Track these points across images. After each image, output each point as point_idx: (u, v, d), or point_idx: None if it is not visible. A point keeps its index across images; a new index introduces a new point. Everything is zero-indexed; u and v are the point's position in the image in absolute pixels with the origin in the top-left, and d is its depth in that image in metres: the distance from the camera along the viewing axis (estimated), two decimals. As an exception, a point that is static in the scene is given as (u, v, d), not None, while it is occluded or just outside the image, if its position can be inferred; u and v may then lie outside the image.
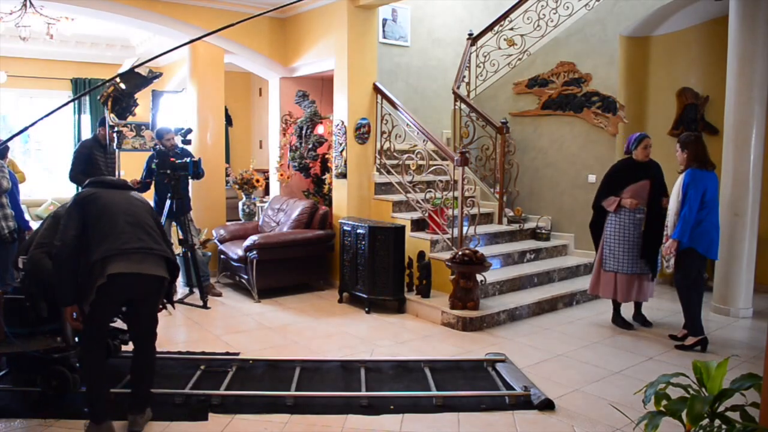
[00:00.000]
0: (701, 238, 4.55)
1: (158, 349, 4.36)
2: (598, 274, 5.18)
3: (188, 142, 6.24)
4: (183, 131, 6.19)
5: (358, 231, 5.68)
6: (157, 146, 6.21)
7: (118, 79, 5.00)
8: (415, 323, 5.32)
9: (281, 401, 3.54)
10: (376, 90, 6.50)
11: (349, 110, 6.37)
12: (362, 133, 6.42)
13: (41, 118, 2.72)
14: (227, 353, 4.41)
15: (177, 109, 8.59)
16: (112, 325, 4.01)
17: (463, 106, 7.06)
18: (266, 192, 8.42)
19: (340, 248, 6.03)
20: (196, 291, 5.97)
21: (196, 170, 5.87)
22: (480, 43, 7.48)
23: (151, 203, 6.37)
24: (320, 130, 7.27)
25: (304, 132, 7.34)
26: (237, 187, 7.86)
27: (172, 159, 5.86)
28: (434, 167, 6.11)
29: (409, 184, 6.25)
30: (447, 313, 5.19)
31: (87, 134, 9.98)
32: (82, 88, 10.05)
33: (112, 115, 5.18)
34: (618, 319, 5.19)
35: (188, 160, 5.86)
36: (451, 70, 7.80)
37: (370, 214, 6.44)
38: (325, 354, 4.47)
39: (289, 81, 7.81)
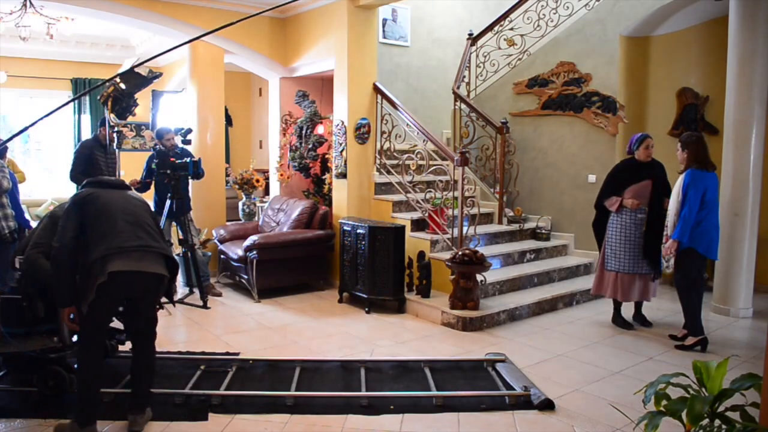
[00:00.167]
0: (701, 238, 4.56)
1: (158, 349, 4.36)
2: (601, 274, 5.19)
3: (188, 142, 6.24)
4: (183, 131, 6.19)
5: (358, 231, 5.68)
6: (157, 146, 6.21)
7: (118, 79, 5.00)
8: (415, 323, 5.32)
9: (281, 401, 3.54)
10: (376, 90, 6.50)
11: (349, 110, 6.37)
12: (362, 133, 6.42)
13: (41, 118, 2.72)
14: (227, 353, 4.41)
15: (177, 109, 8.60)
16: (110, 324, 4.02)
17: (463, 106, 7.06)
18: (266, 192, 8.42)
19: (340, 248, 6.03)
20: (196, 291, 5.96)
21: (196, 170, 5.87)
22: (480, 43, 7.48)
23: (151, 203, 6.41)
24: (320, 130, 7.27)
25: (304, 132, 7.34)
26: (237, 187, 7.86)
27: (172, 159, 5.86)
28: (434, 167, 6.11)
29: (409, 184, 6.25)
30: (447, 313, 5.19)
31: (87, 134, 9.99)
32: (82, 88, 10.05)
33: (112, 115, 5.19)
34: (618, 319, 5.18)
35: (188, 160, 5.86)
36: (451, 70, 7.80)
37: (370, 214, 6.44)
38: (325, 354, 4.47)
39: (289, 81, 7.81)
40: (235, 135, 10.71)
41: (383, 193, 6.50)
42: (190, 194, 6.52)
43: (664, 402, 2.02)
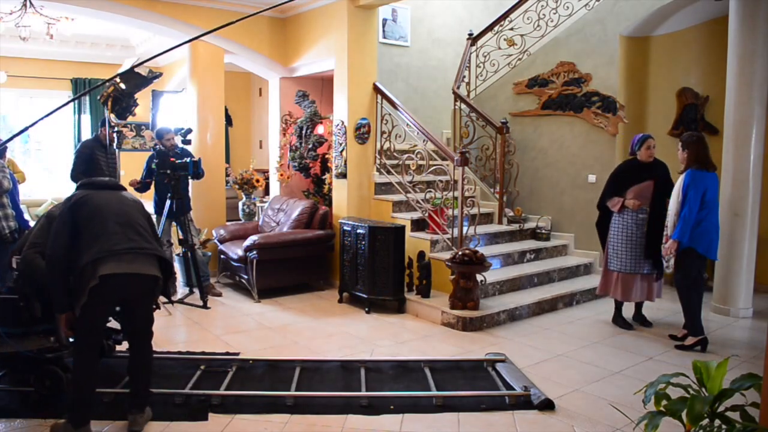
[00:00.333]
0: (701, 238, 4.56)
1: (158, 349, 4.37)
2: (606, 274, 5.20)
3: (188, 142, 6.24)
4: (183, 131, 6.19)
5: (358, 231, 5.68)
6: (157, 146, 6.21)
7: (118, 79, 5.00)
8: (415, 323, 5.32)
9: (281, 401, 3.54)
10: (376, 90, 6.50)
11: (349, 110, 6.37)
12: (362, 133, 6.42)
13: (41, 118, 2.73)
14: (227, 353, 4.41)
15: (177, 109, 8.60)
16: (107, 324, 4.01)
17: (463, 106, 7.06)
18: (266, 192, 8.42)
19: (340, 248, 6.03)
20: (196, 291, 5.96)
21: (196, 170, 5.86)
22: (480, 43, 7.48)
23: (151, 203, 6.41)
24: (320, 130, 7.27)
25: (304, 132, 7.34)
26: (237, 187, 7.86)
27: (172, 159, 5.86)
28: (434, 167, 6.11)
29: (409, 184, 6.25)
30: (447, 313, 5.19)
31: (87, 134, 10.00)
32: (82, 88, 10.05)
33: (112, 115, 5.19)
34: (618, 319, 5.19)
35: (188, 160, 5.86)
36: (451, 70, 7.80)
37: (370, 214, 6.44)
38: (325, 354, 4.47)
39: (289, 81, 7.81)
40: (235, 135, 10.71)
41: (383, 193, 6.50)
42: (190, 194, 6.51)
43: (664, 402, 2.02)
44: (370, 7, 6.41)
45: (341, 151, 6.46)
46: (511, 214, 6.87)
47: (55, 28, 7.39)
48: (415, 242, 5.86)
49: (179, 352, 4.41)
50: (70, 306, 3.08)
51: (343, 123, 6.42)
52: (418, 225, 6.07)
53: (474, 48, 7.46)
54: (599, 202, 5.22)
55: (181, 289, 6.30)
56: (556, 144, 6.95)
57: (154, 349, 4.36)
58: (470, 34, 7.46)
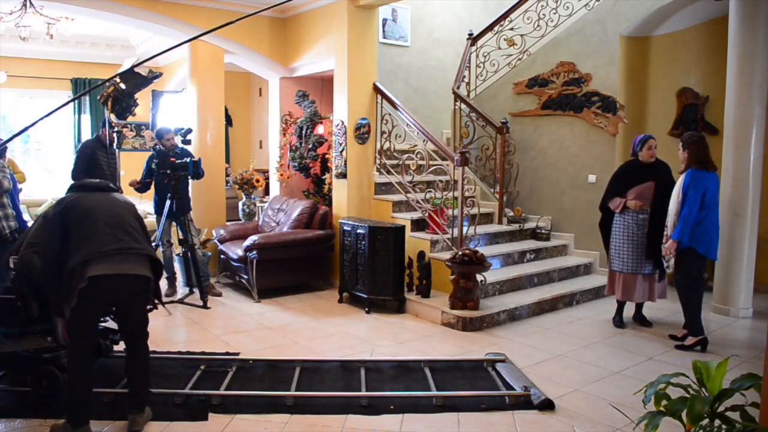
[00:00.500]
0: (701, 238, 4.56)
1: (158, 349, 4.39)
2: (611, 274, 5.21)
3: (188, 142, 6.24)
4: (183, 131, 6.19)
5: (358, 231, 5.68)
6: (157, 146, 6.21)
7: (118, 79, 5.01)
8: (415, 323, 5.32)
9: (281, 401, 3.54)
10: (376, 90, 6.50)
11: (349, 110, 6.37)
12: (362, 133, 6.42)
13: (41, 118, 2.73)
14: (227, 353, 4.41)
15: (177, 109, 8.61)
16: (104, 324, 4.01)
17: (463, 106, 7.06)
18: (266, 192, 8.42)
19: (340, 248, 6.03)
20: (196, 291, 5.96)
21: (196, 170, 5.87)
22: (480, 43, 7.48)
23: (151, 203, 6.41)
24: (320, 130, 7.27)
25: (304, 132, 7.34)
26: (237, 187, 7.85)
27: (172, 159, 5.86)
28: (434, 167, 6.11)
29: (409, 184, 6.25)
30: (447, 313, 5.19)
31: (87, 134, 10.01)
32: (82, 88, 10.06)
33: (112, 115, 5.20)
34: (615, 318, 5.21)
35: (188, 160, 5.86)
36: (451, 70, 7.80)
37: (370, 214, 6.44)
38: (325, 354, 4.47)
39: (289, 81, 7.81)
40: (235, 135, 10.72)
41: (383, 193, 6.50)
42: (190, 194, 6.51)
43: (664, 402, 2.02)
44: (370, 7, 6.41)
45: (341, 151, 6.46)
46: (511, 214, 6.87)
47: (55, 28, 7.39)
48: (415, 242, 5.86)
49: (179, 352, 4.41)
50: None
51: (343, 123, 6.42)
52: (418, 225, 6.07)
53: (474, 48, 7.46)
54: (601, 204, 5.23)
55: (181, 289, 6.30)
56: (556, 144, 6.95)
57: (155, 349, 4.38)
58: (470, 34, 7.46)
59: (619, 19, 6.51)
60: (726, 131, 5.53)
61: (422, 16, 8.03)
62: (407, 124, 6.40)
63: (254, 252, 5.96)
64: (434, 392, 3.68)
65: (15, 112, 10.33)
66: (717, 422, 1.91)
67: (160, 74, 5.53)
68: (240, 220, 7.81)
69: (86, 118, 10.26)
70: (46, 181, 10.47)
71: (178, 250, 6.28)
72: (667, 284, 5.16)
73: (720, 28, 5.88)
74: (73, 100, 9.21)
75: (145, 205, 8.47)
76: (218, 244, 6.79)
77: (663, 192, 4.90)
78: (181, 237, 5.96)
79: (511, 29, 7.37)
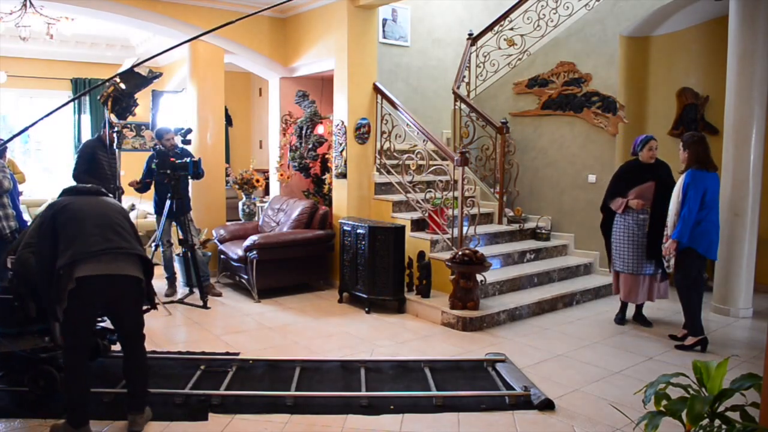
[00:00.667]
0: (701, 238, 4.56)
1: (158, 349, 4.39)
2: (615, 274, 5.22)
3: (188, 142, 6.24)
4: (183, 131, 6.19)
5: (358, 231, 5.68)
6: (157, 146, 6.21)
7: (118, 79, 5.01)
8: (415, 323, 5.32)
9: (281, 401, 3.54)
10: (376, 90, 6.50)
11: (349, 110, 6.37)
12: (362, 133, 6.42)
13: (41, 118, 2.73)
14: (227, 353, 4.41)
15: (177, 109, 8.60)
16: (102, 324, 4.01)
17: (463, 106, 7.06)
18: (266, 192, 8.42)
19: (340, 248, 6.03)
20: (196, 291, 5.96)
21: (196, 170, 5.86)
22: (480, 43, 7.48)
23: (151, 203, 6.41)
24: (320, 130, 7.27)
25: (304, 132, 7.34)
26: (237, 187, 7.85)
27: (172, 159, 5.86)
28: (434, 167, 6.11)
29: (409, 184, 6.25)
30: (447, 313, 5.19)
31: (87, 134, 10.01)
32: (82, 88, 10.06)
33: (112, 115, 5.19)
34: (618, 316, 5.24)
35: (188, 160, 5.86)
36: (451, 70, 7.80)
37: (370, 214, 6.44)
38: (325, 354, 4.47)
39: (289, 81, 7.81)
40: (235, 135, 10.72)
41: (383, 193, 6.50)
42: (190, 194, 6.52)
43: (664, 402, 2.02)
44: (370, 7, 6.41)
45: (341, 151, 6.46)
46: (511, 214, 6.87)
47: (55, 28, 7.39)
48: (415, 242, 5.86)
49: (179, 352, 4.40)
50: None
51: (343, 123, 6.42)
52: (418, 225, 6.07)
53: (474, 48, 7.46)
54: (602, 205, 5.23)
55: (181, 289, 6.30)
56: (556, 144, 6.95)
57: (155, 349, 4.40)
58: (470, 34, 7.46)
59: (619, 19, 6.51)
60: (726, 131, 5.53)
61: (422, 16, 8.03)
62: (407, 124, 6.40)
63: (254, 252, 5.96)
64: (434, 392, 3.68)
65: (15, 112, 10.33)
66: (717, 422, 1.91)
67: (160, 74, 5.52)
68: (240, 220, 7.81)
69: (86, 118, 10.26)
70: (46, 181, 10.47)
71: (178, 250, 6.28)
72: (667, 284, 5.16)
73: (720, 28, 5.88)
74: (73, 100, 9.21)
75: (145, 205, 8.49)
76: (218, 244, 6.79)
77: (663, 192, 4.90)
78: (181, 237, 5.96)
79: (511, 29, 7.37)
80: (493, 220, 6.80)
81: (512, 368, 4.07)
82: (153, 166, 5.95)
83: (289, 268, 6.25)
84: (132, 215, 8.27)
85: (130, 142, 10.35)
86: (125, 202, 6.99)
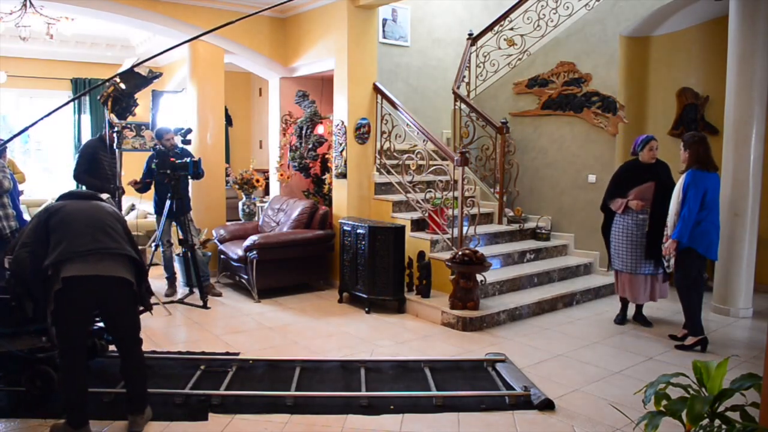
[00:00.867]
0: (701, 238, 4.56)
1: (158, 349, 4.40)
2: (616, 274, 5.23)
3: (188, 142, 6.24)
4: (183, 131, 6.19)
5: (358, 231, 5.68)
6: (157, 146, 6.21)
7: (118, 79, 5.01)
8: (415, 323, 5.32)
9: (281, 401, 3.54)
10: (376, 90, 6.50)
11: (349, 110, 6.37)
12: (362, 133, 6.42)
13: (41, 118, 2.73)
14: (227, 353, 4.41)
15: (177, 109, 8.61)
16: (99, 324, 4.00)
17: (463, 106, 7.06)
18: (266, 192, 8.42)
19: (340, 248, 6.03)
20: (196, 291, 5.96)
21: (196, 170, 5.86)
22: (480, 43, 7.48)
23: (151, 203, 6.40)
24: (320, 130, 7.27)
25: (304, 132, 7.34)
26: (237, 187, 7.85)
27: (172, 159, 5.86)
28: (434, 167, 6.11)
29: (409, 184, 6.25)
30: (447, 313, 5.19)
31: (87, 134, 10.01)
32: (82, 88, 10.06)
33: (112, 115, 5.19)
34: (618, 316, 5.24)
35: (188, 160, 5.86)
36: (451, 70, 7.80)
37: (370, 214, 6.44)
38: (325, 354, 4.47)
39: (289, 81, 7.81)
40: (235, 135, 10.71)
41: (383, 193, 6.50)
42: (190, 194, 6.52)
43: (664, 402, 2.02)
44: (370, 7, 6.41)
45: (341, 151, 6.46)
46: (511, 214, 6.87)
47: (55, 28, 7.39)
48: (415, 242, 5.86)
49: (179, 352, 4.40)
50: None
51: (343, 123, 6.42)
52: (418, 225, 6.07)
53: (474, 48, 7.46)
54: (602, 205, 5.23)
55: (181, 289, 6.30)
56: (556, 144, 6.95)
57: (155, 349, 4.40)
58: (470, 34, 7.46)
59: (619, 19, 6.51)
60: (726, 131, 5.53)
61: (422, 16, 8.03)
62: (407, 124, 6.40)
63: (254, 252, 5.96)
64: (434, 392, 3.68)
65: (15, 112, 10.33)
66: (717, 422, 1.91)
67: (160, 74, 5.53)
68: (240, 220, 7.81)
69: (86, 118, 10.26)
70: (46, 181, 10.47)
71: (178, 250, 6.28)
72: (667, 284, 5.16)
73: (720, 28, 5.88)
74: (73, 100, 9.21)
75: (145, 205, 8.49)
76: (218, 244, 6.79)
77: (663, 192, 4.90)
78: (181, 237, 5.96)
79: (511, 29, 7.37)
80: (493, 220, 6.80)
81: (512, 368, 4.07)
82: (153, 166, 5.95)
83: (289, 268, 6.25)
84: (132, 215, 8.29)
85: (130, 142, 10.34)
86: (125, 203, 7.00)
